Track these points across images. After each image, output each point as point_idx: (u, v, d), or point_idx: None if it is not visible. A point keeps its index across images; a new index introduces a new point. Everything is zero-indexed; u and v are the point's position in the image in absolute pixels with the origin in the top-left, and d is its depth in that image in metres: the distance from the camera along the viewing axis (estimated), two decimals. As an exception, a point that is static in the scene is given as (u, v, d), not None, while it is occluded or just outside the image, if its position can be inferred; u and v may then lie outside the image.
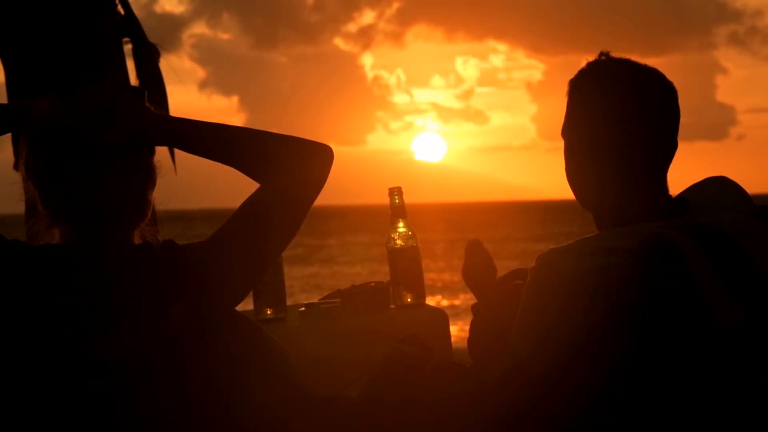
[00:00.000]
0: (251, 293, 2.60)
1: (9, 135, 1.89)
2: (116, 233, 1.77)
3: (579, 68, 1.91)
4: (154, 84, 4.55)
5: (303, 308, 2.58)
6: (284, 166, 1.79)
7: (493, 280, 2.27)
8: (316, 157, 1.82)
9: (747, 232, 1.72)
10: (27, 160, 1.77)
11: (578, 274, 1.74)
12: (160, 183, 1.86)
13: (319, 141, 1.84)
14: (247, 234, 1.76)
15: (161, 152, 1.87)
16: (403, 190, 2.67)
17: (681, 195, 1.90)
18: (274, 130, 1.84)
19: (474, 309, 2.18)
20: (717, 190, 1.92)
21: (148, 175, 1.81)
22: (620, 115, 1.84)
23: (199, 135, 1.81)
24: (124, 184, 1.76)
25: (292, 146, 1.81)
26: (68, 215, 1.75)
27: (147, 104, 1.82)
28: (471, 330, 2.12)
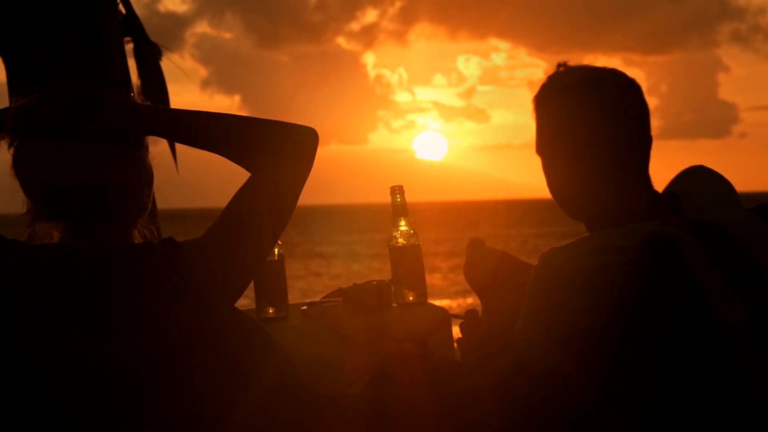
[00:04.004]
0: (253, 292, 2.60)
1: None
2: (114, 232, 1.77)
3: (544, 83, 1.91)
4: (155, 83, 4.55)
5: (305, 307, 2.58)
6: (271, 151, 1.79)
7: (496, 278, 2.27)
8: (301, 140, 1.82)
9: (748, 229, 1.72)
10: (13, 157, 1.77)
11: (583, 272, 1.74)
12: (163, 181, 1.86)
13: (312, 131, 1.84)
14: (241, 224, 1.76)
15: (162, 151, 1.87)
16: (404, 188, 2.67)
17: (669, 190, 1.91)
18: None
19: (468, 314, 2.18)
20: (704, 183, 1.92)
21: (140, 171, 1.81)
22: (598, 117, 1.84)
23: (183, 123, 1.80)
24: (113, 180, 1.76)
25: (277, 130, 1.81)
26: (56, 212, 1.74)
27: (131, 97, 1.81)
28: (464, 330, 2.11)
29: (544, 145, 1.92)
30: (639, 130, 1.87)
